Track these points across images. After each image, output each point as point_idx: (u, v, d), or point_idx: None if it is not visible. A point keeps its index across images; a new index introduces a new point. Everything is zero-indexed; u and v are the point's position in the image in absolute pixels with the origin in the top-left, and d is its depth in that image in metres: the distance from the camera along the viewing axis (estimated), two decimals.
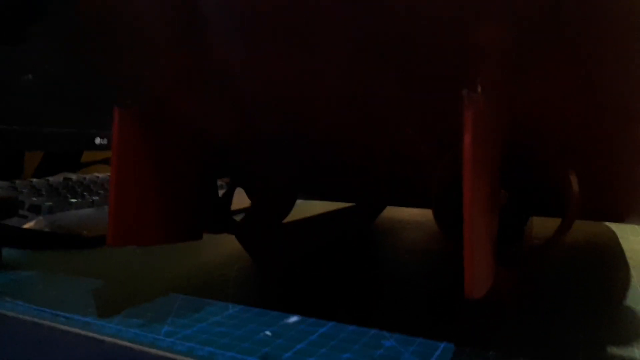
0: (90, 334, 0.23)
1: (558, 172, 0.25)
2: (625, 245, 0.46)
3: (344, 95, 0.23)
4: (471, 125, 0.17)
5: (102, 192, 0.49)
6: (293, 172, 0.35)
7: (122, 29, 0.23)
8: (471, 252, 0.17)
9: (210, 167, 0.33)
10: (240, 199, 0.42)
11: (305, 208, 0.61)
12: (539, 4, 0.16)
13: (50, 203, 0.42)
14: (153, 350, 0.22)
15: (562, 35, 0.17)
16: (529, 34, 0.18)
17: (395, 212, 0.65)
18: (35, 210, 0.41)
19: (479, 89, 0.18)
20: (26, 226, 0.39)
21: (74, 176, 0.54)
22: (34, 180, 0.50)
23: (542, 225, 0.42)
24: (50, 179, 0.52)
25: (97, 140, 0.52)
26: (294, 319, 0.26)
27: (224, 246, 0.42)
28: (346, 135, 0.27)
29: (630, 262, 0.39)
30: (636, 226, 0.55)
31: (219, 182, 0.60)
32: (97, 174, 0.58)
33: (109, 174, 0.60)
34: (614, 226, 0.55)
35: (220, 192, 0.36)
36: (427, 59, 0.19)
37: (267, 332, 0.24)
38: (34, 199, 0.43)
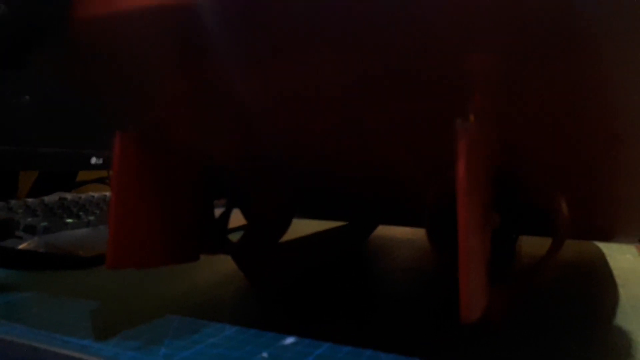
0: (88, 357, 0.23)
1: (548, 195, 0.26)
2: (612, 263, 0.46)
3: (341, 121, 0.24)
4: (464, 153, 0.18)
5: (97, 211, 0.49)
6: (289, 193, 0.36)
7: (121, 56, 0.24)
8: (467, 277, 0.18)
9: (208, 188, 0.34)
10: (238, 217, 0.42)
11: (299, 227, 0.61)
12: (529, 36, 0.17)
13: (46, 223, 0.42)
14: None
15: (551, 65, 0.18)
16: (520, 64, 0.18)
17: (387, 231, 0.66)
18: (31, 230, 0.41)
19: (472, 118, 0.19)
20: (21, 247, 0.39)
21: (69, 196, 0.54)
22: (29, 200, 0.50)
23: (527, 241, 0.43)
24: (46, 198, 0.52)
25: (93, 160, 0.52)
26: (290, 340, 0.26)
27: (220, 267, 0.42)
28: (342, 158, 0.27)
29: (618, 281, 0.39)
30: (622, 245, 0.56)
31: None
32: (92, 194, 0.58)
33: (104, 193, 0.60)
34: (601, 245, 0.56)
35: (217, 213, 0.36)
36: (421, 89, 0.20)
37: (264, 354, 0.24)
38: (29, 219, 0.43)
